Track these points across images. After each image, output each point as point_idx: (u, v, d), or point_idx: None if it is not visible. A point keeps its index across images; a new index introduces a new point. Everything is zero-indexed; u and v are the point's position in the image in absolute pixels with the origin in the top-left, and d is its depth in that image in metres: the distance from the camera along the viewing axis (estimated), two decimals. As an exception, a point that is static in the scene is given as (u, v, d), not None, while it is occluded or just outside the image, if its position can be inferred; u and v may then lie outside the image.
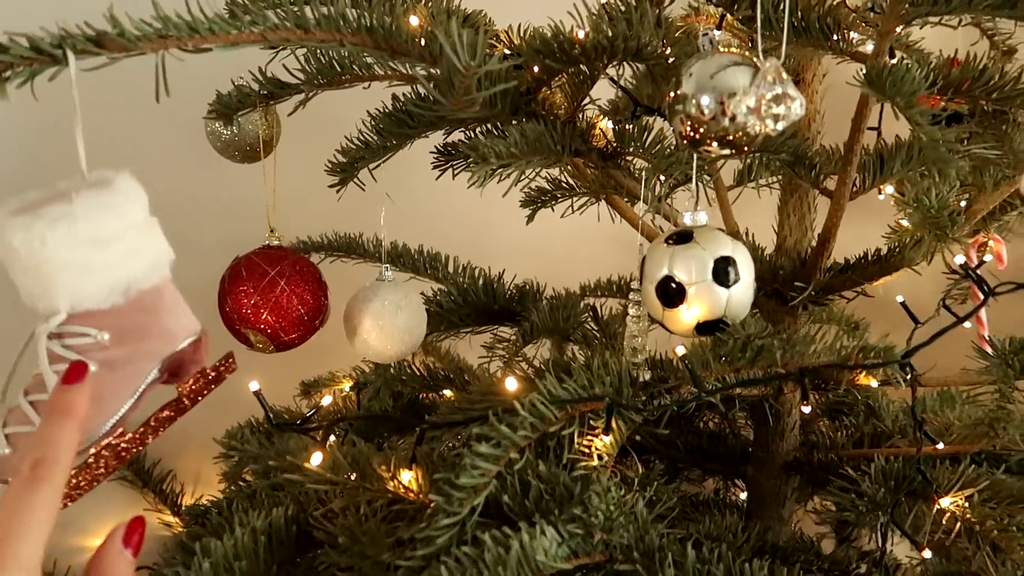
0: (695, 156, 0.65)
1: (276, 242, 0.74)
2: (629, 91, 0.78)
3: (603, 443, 0.62)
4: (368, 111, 0.77)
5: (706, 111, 0.58)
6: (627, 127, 0.71)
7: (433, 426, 0.60)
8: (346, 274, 1.00)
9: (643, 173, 0.71)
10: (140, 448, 0.52)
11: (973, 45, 1.00)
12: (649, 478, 0.81)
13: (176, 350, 0.50)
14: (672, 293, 0.63)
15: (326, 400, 0.82)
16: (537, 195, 0.87)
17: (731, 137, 0.59)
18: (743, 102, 0.55)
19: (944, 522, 0.69)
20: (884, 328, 0.88)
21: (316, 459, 0.56)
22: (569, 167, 0.85)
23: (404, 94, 0.75)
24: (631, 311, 0.70)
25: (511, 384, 0.62)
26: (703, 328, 0.65)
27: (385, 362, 0.77)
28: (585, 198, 0.85)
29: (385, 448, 0.79)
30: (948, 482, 0.71)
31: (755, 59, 0.57)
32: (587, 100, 0.74)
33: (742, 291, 0.64)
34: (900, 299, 0.93)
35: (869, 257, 0.87)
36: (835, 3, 0.66)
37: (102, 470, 0.51)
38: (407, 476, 0.58)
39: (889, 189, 0.91)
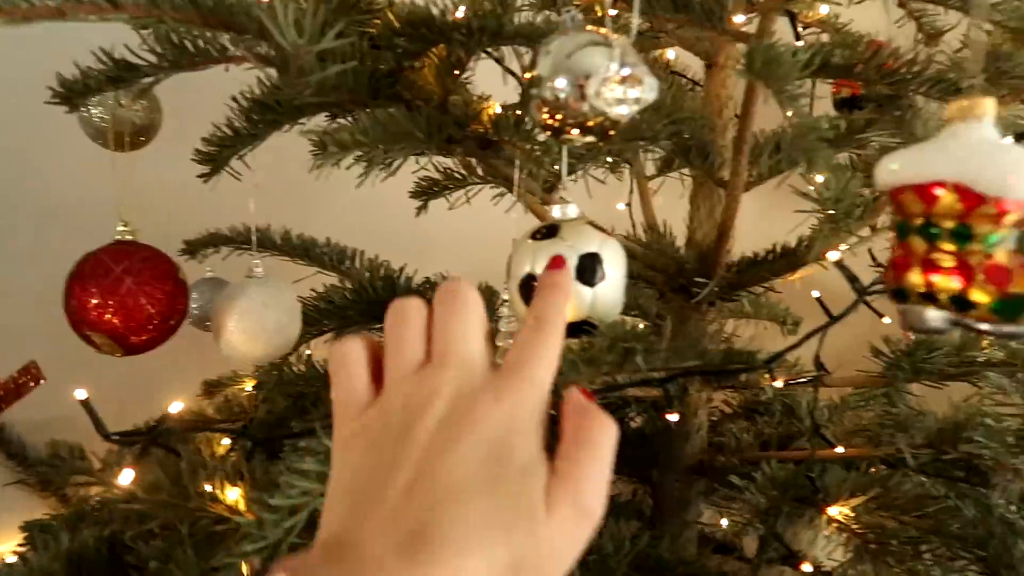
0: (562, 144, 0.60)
1: (129, 237, 0.69)
2: (515, 73, 0.74)
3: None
4: (233, 96, 0.72)
5: (562, 95, 0.53)
6: (504, 113, 0.67)
7: (261, 440, 0.56)
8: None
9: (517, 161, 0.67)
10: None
11: (899, 26, 0.96)
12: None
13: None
14: (533, 292, 0.59)
15: (175, 407, 0.77)
16: (428, 185, 0.82)
17: (591, 123, 0.54)
18: (594, 84, 0.51)
19: (832, 531, 0.65)
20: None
21: (127, 476, 0.52)
22: (460, 156, 0.81)
23: (270, 77, 0.70)
24: (502, 311, 0.65)
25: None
26: (568, 330, 0.61)
27: (254, 363, 0.72)
28: (478, 188, 0.80)
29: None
30: (838, 489, 0.67)
31: (610, 37, 0.52)
32: (468, 82, 0.70)
33: (609, 290, 0.60)
34: (816, 294, 0.90)
35: (777, 251, 0.83)
36: (715, -19, 0.62)
37: None
38: (233, 494, 0.53)
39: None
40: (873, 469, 0.73)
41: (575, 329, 0.61)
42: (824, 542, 0.64)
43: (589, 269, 0.58)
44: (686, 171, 1.06)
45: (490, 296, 0.96)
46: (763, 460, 0.80)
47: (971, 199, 0.39)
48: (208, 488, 0.52)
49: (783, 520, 0.68)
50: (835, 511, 0.66)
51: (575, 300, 0.59)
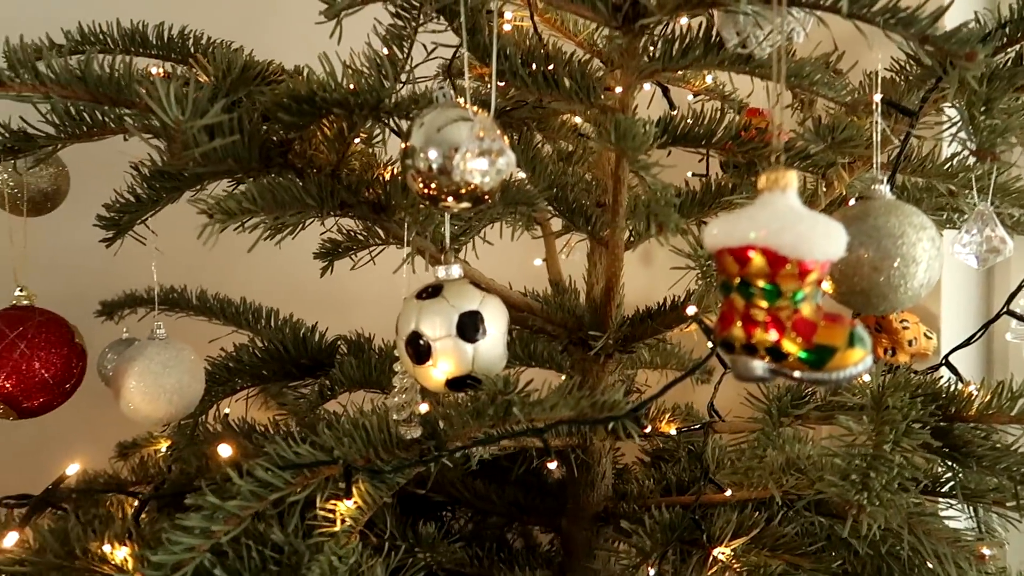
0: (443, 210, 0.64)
1: (26, 302, 0.70)
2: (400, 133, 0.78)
3: (347, 507, 0.59)
4: (134, 165, 0.74)
5: (434, 165, 0.57)
6: (394, 178, 0.71)
7: (151, 498, 0.57)
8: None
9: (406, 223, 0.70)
10: None
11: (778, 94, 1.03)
12: (433, 539, 0.79)
13: None
14: (420, 349, 0.62)
15: (72, 469, 0.77)
16: (331, 247, 0.85)
17: (463, 191, 0.58)
18: (459, 156, 0.55)
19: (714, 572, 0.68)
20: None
21: (10, 539, 0.52)
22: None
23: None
24: (396, 367, 0.68)
25: (224, 450, 0.60)
26: (453, 384, 0.64)
27: (156, 424, 0.73)
28: (380, 248, 0.83)
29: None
30: (722, 531, 0.71)
31: (472, 112, 0.56)
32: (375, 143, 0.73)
33: (490, 346, 0.63)
34: (711, 345, 0.94)
35: (666, 305, 0.88)
36: (584, 59, 0.67)
37: None
38: (121, 553, 0.54)
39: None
40: (760, 511, 0.76)
41: (459, 383, 0.64)
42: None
43: (471, 326, 0.62)
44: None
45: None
46: (657, 505, 0.84)
47: (777, 261, 0.43)
48: (97, 548, 0.53)
49: (674, 563, 0.71)
50: (719, 552, 0.69)
51: (458, 356, 0.62)
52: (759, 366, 0.45)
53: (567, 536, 0.92)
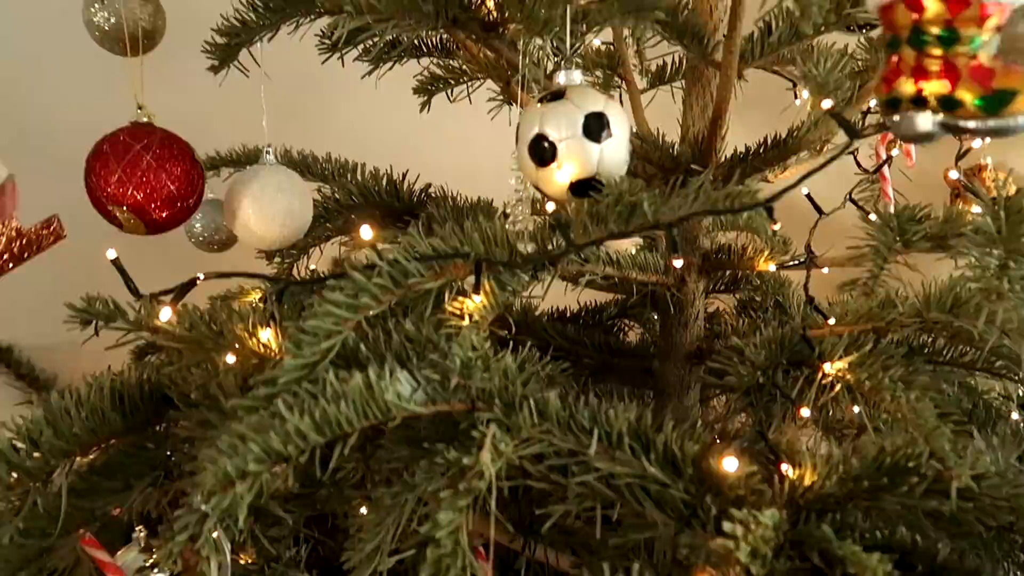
0: (567, 14, 0.63)
1: (145, 119, 0.71)
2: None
3: (474, 304, 0.61)
4: (238, -9, 0.73)
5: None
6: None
7: (288, 284, 0.58)
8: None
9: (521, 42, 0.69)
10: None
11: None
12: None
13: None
14: (544, 152, 0.62)
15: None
16: (429, 80, 0.84)
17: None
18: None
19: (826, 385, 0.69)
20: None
21: (165, 313, 0.54)
22: (462, 51, 0.83)
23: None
24: (512, 181, 0.68)
25: (365, 232, 0.61)
26: (577, 189, 0.64)
27: (268, 248, 0.75)
28: (479, 83, 0.83)
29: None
30: (834, 348, 0.71)
31: None
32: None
33: (614, 147, 0.63)
34: (805, 191, 0.93)
35: (768, 143, 0.87)
36: None
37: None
38: (265, 334, 0.56)
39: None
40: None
41: (583, 188, 0.64)
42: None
43: (597, 127, 0.61)
44: (676, 85, 1.10)
45: (488, 208, 0.98)
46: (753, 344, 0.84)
47: (956, 4, 0.42)
48: (241, 331, 0.55)
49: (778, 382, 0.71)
50: (829, 367, 0.69)
51: (584, 157, 0.62)
52: (928, 120, 0.44)
53: (659, 376, 0.93)
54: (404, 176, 0.98)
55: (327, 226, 0.96)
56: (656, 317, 1.02)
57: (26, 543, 0.51)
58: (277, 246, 0.76)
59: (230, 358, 0.55)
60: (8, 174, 0.48)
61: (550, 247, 0.64)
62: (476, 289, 0.60)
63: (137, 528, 1.01)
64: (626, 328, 1.13)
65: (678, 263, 0.59)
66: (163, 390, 0.55)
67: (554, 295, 0.94)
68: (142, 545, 1.01)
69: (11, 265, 0.49)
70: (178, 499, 0.84)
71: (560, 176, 0.62)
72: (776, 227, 0.58)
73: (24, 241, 0.49)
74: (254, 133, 0.91)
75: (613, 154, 0.62)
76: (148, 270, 0.69)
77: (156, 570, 1.02)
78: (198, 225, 0.94)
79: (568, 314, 1.10)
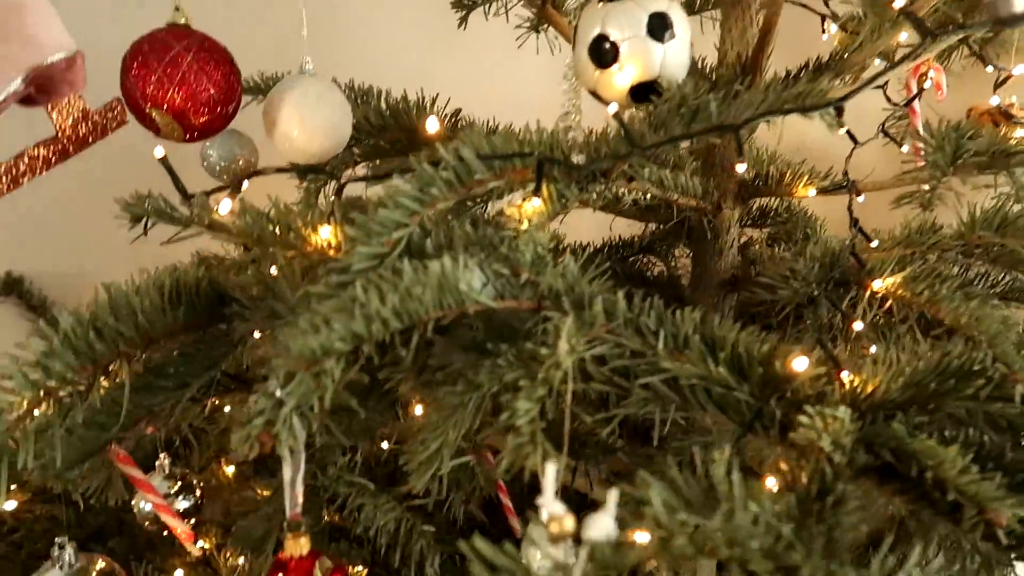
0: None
1: (183, 20, 0.68)
2: None
3: (533, 208, 0.59)
4: None
5: None
6: None
7: (348, 181, 0.57)
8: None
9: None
10: (13, 185, 0.47)
11: None
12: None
13: (44, 63, 0.45)
14: (605, 52, 0.60)
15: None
16: (468, -5, 0.82)
17: None
18: None
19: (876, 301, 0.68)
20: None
21: (225, 204, 0.53)
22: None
23: None
24: (564, 87, 0.67)
25: (432, 124, 0.59)
26: (637, 93, 0.62)
27: (307, 161, 0.73)
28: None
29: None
30: (881, 268, 0.71)
31: None
32: None
33: (677, 49, 0.61)
34: (844, 130, 0.92)
35: (810, 66, 0.85)
36: None
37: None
38: (326, 231, 0.54)
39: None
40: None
41: (643, 93, 0.62)
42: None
43: (659, 26, 0.60)
44: (706, 14, 1.08)
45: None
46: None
47: None
48: (301, 227, 0.54)
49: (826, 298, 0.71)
50: (880, 284, 0.69)
51: (646, 57, 0.60)
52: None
53: (692, 305, 0.93)
54: (434, 100, 0.96)
55: (354, 150, 0.93)
56: (686, 248, 1.02)
57: (87, 434, 0.49)
58: (317, 159, 0.73)
59: (290, 254, 0.53)
60: (78, 50, 0.46)
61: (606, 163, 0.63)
62: (536, 191, 0.58)
63: (161, 455, 1.00)
64: (651, 265, 1.12)
65: (741, 167, 0.58)
66: (219, 289, 0.53)
67: (575, 235, 0.93)
68: (166, 472, 1.00)
69: (72, 150, 0.47)
70: (214, 415, 0.83)
71: (621, 79, 0.60)
72: (843, 130, 0.57)
73: (90, 124, 0.46)
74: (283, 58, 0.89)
75: (676, 56, 0.60)
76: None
77: (180, 497, 1.01)
78: (214, 153, 0.91)
79: (593, 249, 1.09)
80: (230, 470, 1.20)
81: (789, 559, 0.36)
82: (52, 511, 1.07)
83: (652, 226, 1.08)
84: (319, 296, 0.46)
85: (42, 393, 0.43)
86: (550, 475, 0.34)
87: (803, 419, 0.48)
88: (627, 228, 1.17)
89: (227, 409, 0.77)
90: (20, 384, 0.42)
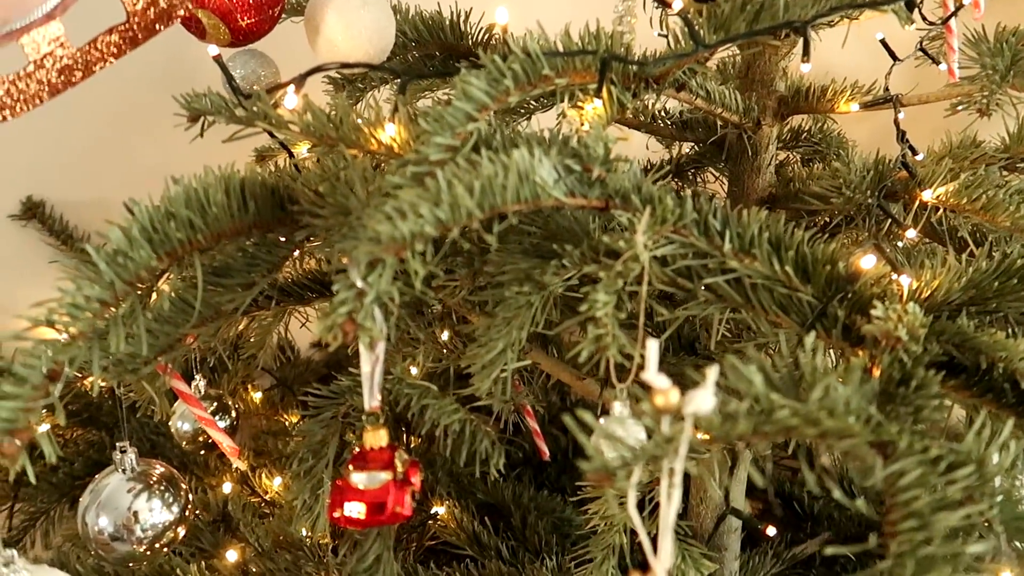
0: None
1: (224, -82, 0.66)
2: None
3: (594, 109, 0.59)
4: None
5: None
6: None
7: (417, 77, 0.56)
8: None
9: None
10: (86, 73, 0.46)
11: None
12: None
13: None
14: (668, -52, 0.59)
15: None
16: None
17: None
18: None
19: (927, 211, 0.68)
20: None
21: (290, 99, 0.52)
22: None
23: None
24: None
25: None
26: (700, -10, 0.61)
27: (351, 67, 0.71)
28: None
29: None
30: (932, 177, 0.71)
31: None
32: None
33: (742, -55, 0.60)
34: (880, 35, 0.91)
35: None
36: None
37: (44, 86, 0.45)
38: (389, 130, 0.54)
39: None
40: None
41: (705, -9, 0.61)
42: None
43: (725, -80, 0.58)
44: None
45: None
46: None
47: None
48: (365, 125, 0.53)
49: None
50: (931, 194, 0.69)
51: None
52: None
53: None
54: (468, 15, 0.94)
55: (386, 65, 0.91)
56: (715, 173, 1.01)
57: (161, 330, 0.49)
58: (363, 64, 0.72)
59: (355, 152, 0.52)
60: None
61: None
62: (599, 91, 0.58)
63: (197, 375, 1.00)
64: (681, 190, 1.12)
65: (805, 67, 0.57)
66: (282, 189, 0.52)
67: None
68: (202, 392, 1.00)
69: (141, 37, 0.45)
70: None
71: (683, -24, 0.59)
72: (912, 26, 0.56)
73: (158, 8, 0.45)
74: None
75: (740, -48, 0.59)
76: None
77: (217, 417, 1.02)
78: (240, 70, 0.89)
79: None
80: (257, 396, 1.21)
81: (887, 433, 0.37)
82: (85, 435, 1.08)
83: (684, 148, 1.08)
84: (397, 186, 0.45)
85: (123, 282, 0.42)
86: (652, 350, 0.34)
87: (876, 311, 0.48)
88: (653, 156, 1.16)
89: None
90: (105, 271, 0.41)
